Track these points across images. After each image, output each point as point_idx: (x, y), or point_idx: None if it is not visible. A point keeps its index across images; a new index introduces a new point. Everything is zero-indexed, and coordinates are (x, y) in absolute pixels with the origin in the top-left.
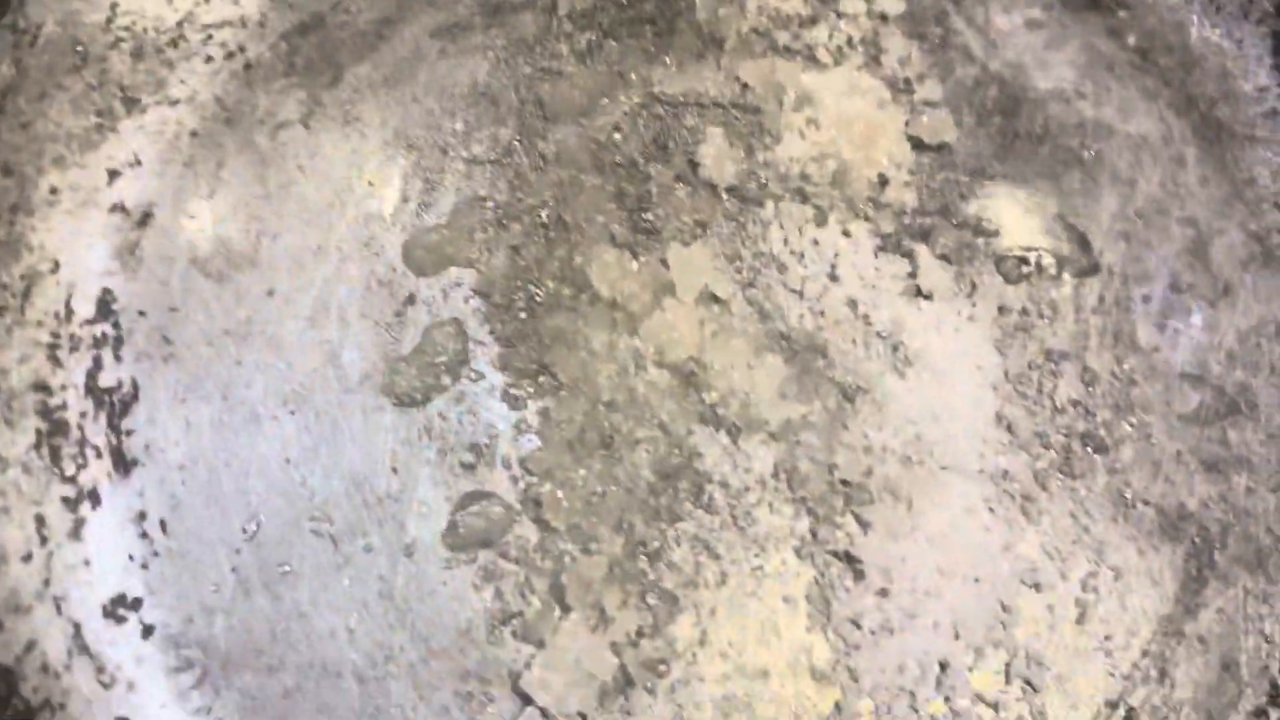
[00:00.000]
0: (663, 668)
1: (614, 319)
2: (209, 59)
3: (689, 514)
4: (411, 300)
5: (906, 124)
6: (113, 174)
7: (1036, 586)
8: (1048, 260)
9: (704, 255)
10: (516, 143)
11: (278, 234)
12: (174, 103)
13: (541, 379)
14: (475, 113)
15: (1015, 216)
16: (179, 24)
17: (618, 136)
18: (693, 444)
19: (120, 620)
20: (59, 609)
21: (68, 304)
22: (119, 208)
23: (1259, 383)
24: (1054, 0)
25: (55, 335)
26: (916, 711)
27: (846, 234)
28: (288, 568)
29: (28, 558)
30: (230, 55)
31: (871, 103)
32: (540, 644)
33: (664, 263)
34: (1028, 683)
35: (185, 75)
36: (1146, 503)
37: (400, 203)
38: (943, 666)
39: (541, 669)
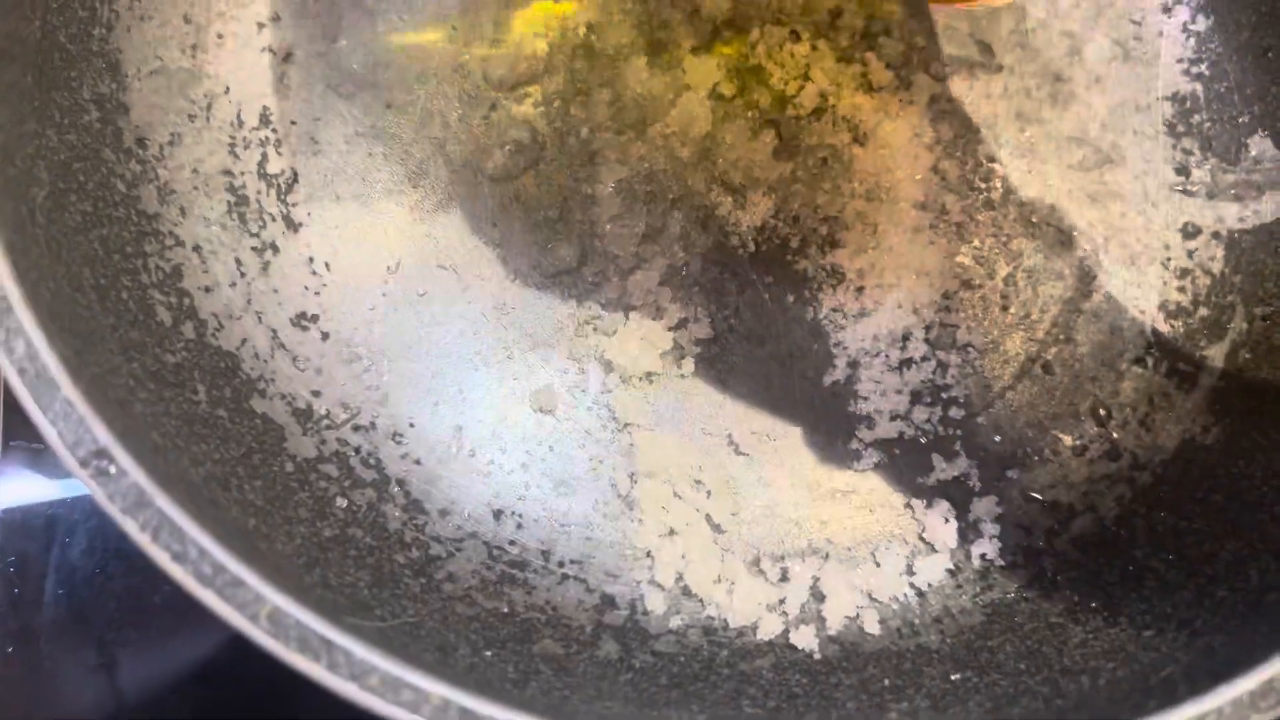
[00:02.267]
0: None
1: (644, 111)
2: None
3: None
4: (494, 107)
5: None
6: (260, 25)
7: (969, 282)
8: (963, 65)
9: (709, 65)
10: None
11: (389, 64)
12: None
13: (597, 158)
14: None
15: (938, 33)
16: None
17: None
18: (713, 198)
19: (304, 329)
20: (259, 319)
21: (239, 116)
22: (268, 49)
23: (1125, 141)
24: None
25: (232, 138)
26: (890, 367)
27: (814, 48)
28: (423, 291)
29: (233, 284)
30: None
31: None
32: (614, 334)
33: (681, 70)
34: (969, 345)
35: None
36: (1049, 225)
37: (478, 39)
38: (905, 336)
39: (619, 345)
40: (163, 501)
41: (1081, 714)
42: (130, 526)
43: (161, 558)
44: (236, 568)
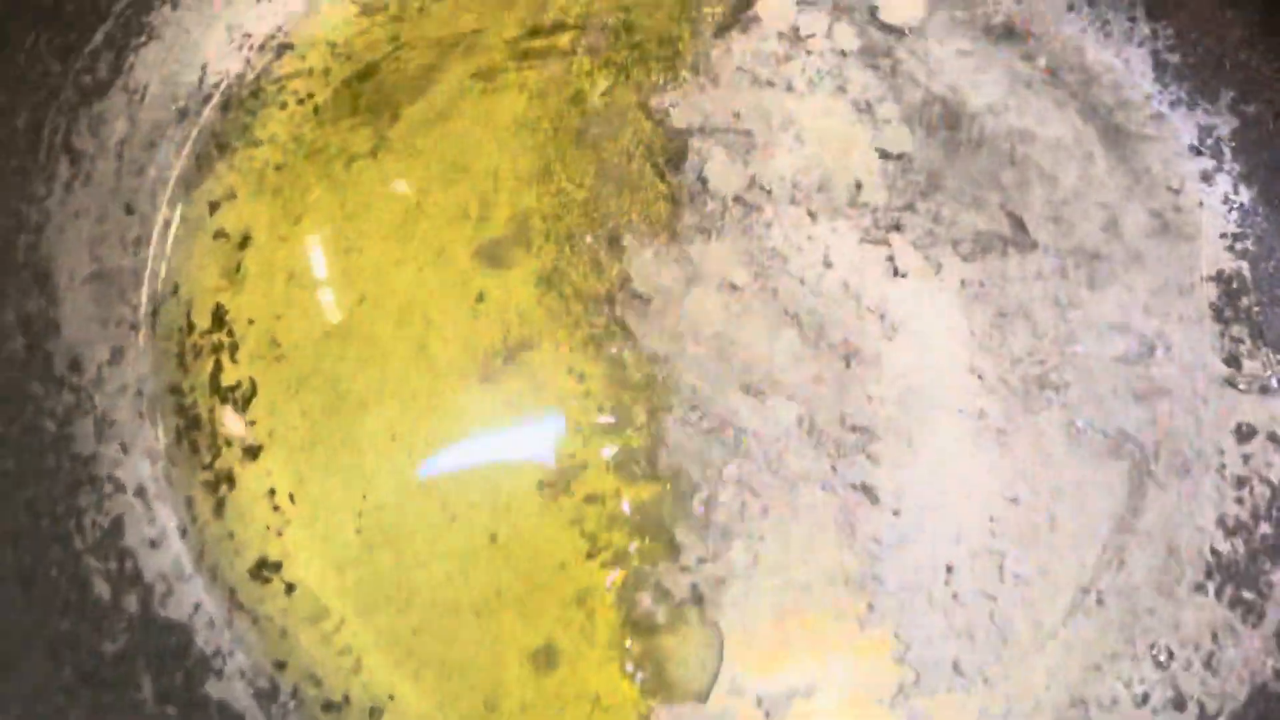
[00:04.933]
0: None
1: (652, 304)
2: (284, 105)
3: (733, 462)
4: (482, 298)
5: (872, 138)
6: (213, 205)
7: (1015, 500)
8: (994, 242)
9: (721, 251)
10: (556, 165)
11: (361, 249)
12: (258, 143)
13: (598, 359)
14: (517, 140)
15: (965, 209)
16: (256, 78)
17: (639, 151)
18: (729, 404)
19: (266, 581)
20: (214, 575)
21: (188, 318)
22: (221, 234)
23: (1169, 328)
24: (979, 33)
25: (180, 345)
26: (932, 605)
27: (834, 230)
28: (404, 526)
29: (184, 533)
30: (301, 101)
31: (842, 122)
32: (624, 566)
33: (689, 259)
34: (1017, 577)
35: (265, 120)
36: (1093, 428)
37: (462, 219)
38: (949, 568)
39: (630, 587)
40: None
41: None
42: None
43: None
44: None
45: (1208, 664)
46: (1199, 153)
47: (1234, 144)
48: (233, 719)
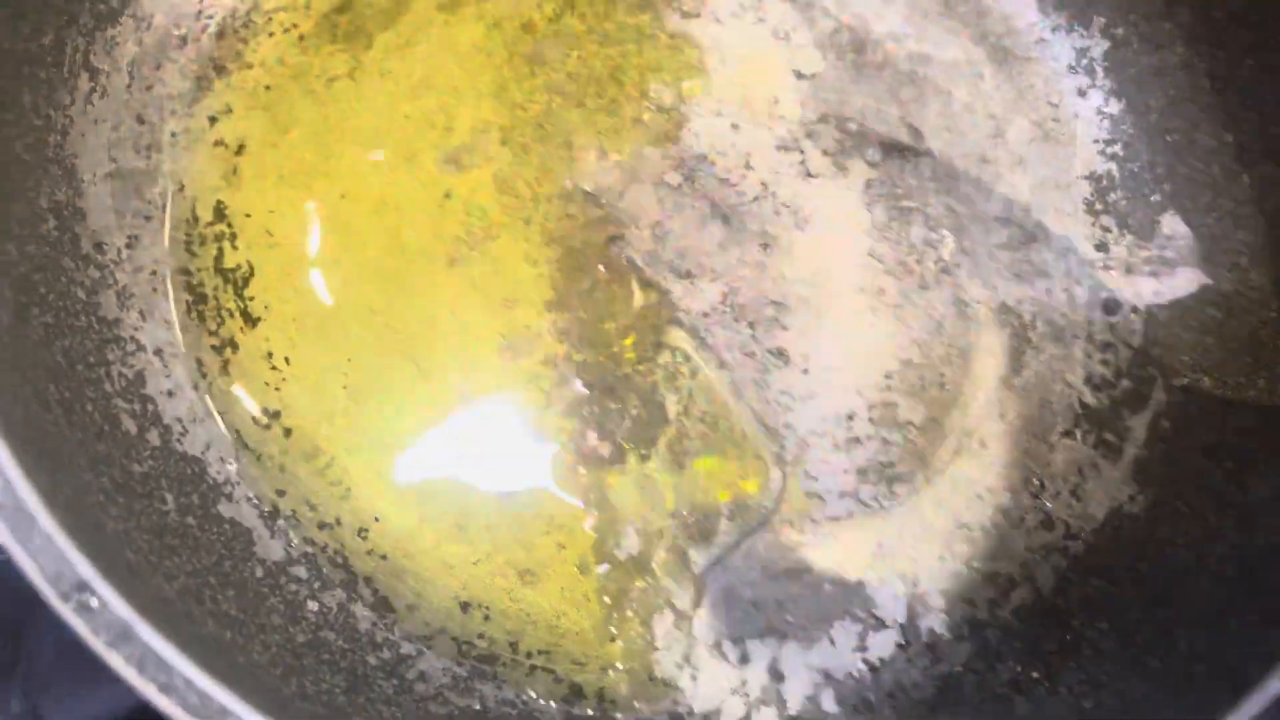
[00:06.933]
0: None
1: (598, 201)
2: (271, 34)
3: (669, 331)
4: (448, 194)
5: (789, 60)
6: (212, 119)
7: (909, 361)
8: (894, 149)
9: (655, 155)
10: (511, 83)
11: (340, 155)
12: (250, 66)
13: (550, 245)
14: (476, 62)
15: (869, 120)
16: (247, 11)
17: (584, 71)
18: (664, 285)
19: (266, 427)
20: (223, 420)
21: (193, 211)
22: (220, 142)
23: (1048, 219)
24: None
25: (188, 234)
26: (836, 447)
27: (754, 138)
28: (383, 381)
29: (195, 386)
30: (287, 30)
31: (763, 46)
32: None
33: (629, 163)
34: (909, 423)
35: (256, 46)
36: (979, 303)
37: (429, 128)
38: (849, 416)
39: (579, 434)
40: (146, 633)
41: None
42: (115, 660)
43: (149, 690)
44: (221, 695)
45: (1074, 493)
46: (1075, 71)
47: (1106, 64)
48: (242, 532)
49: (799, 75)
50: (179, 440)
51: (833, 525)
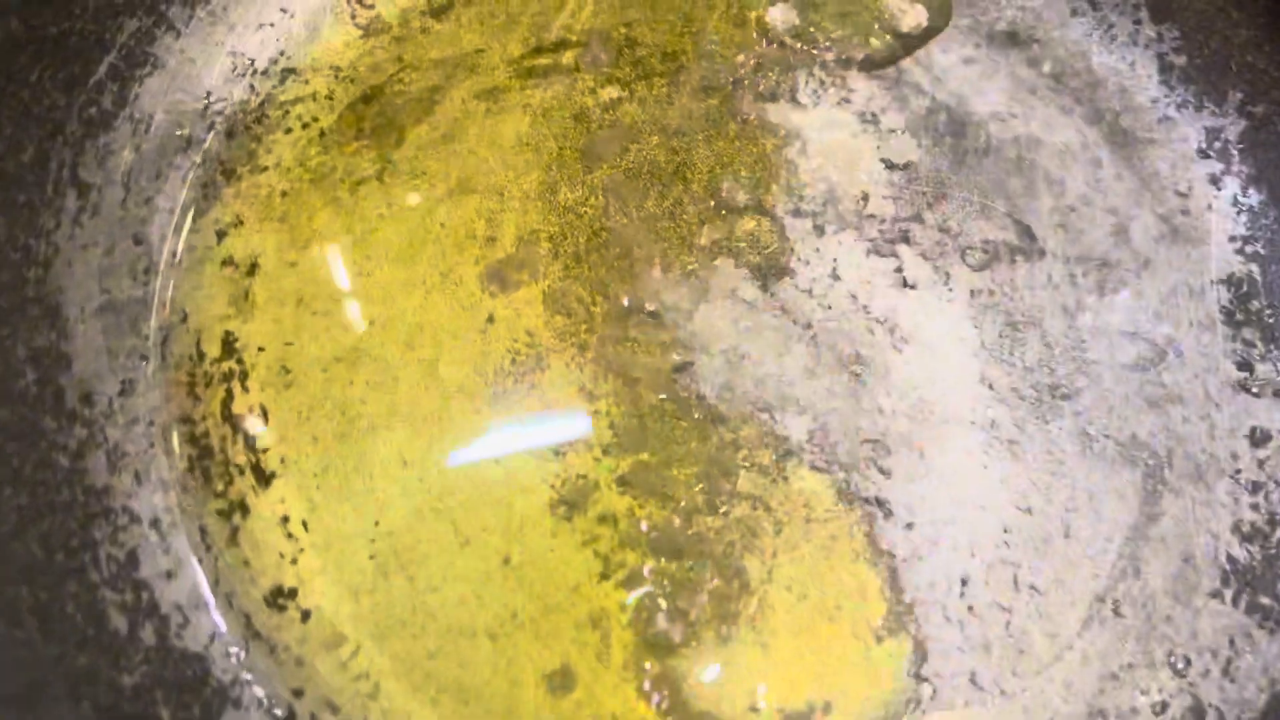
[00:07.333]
0: (740, 603)
1: (662, 322)
2: (289, 130)
3: (747, 477)
4: (491, 319)
5: (878, 148)
6: (220, 234)
7: (1029, 510)
8: (1003, 250)
9: (729, 266)
10: (562, 184)
11: (370, 273)
12: (264, 169)
13: (608, 377)
14: (523, 160)
15: (973, 217)
16: (260, 104)
17: (645, 167)
18: (740, 423)
19: (281, 609)
20: (230, 603)
21: (198, 347)
22: (229, 262)
23: (1180, 334)
24: (982, 40)
25: (191, 375)
26: (948, 619)
27: (840, 242)
28: (417, 551)
29: (200, 561)
30: (306, 125)
31: (847, 133)
32: (638, 587)
33: (698, 275)
34: (1032, 588)
35: (270, 146)
36: (1106, 436)
37: (469, 240)
38: (964, 581)
39: (645, 608)
40: None
41: None
42: None
43: None
44: None
45: (1225, 671)
46: (1206, 156)
47: (1242, 146)
48: None
49: (890, 165)
50: (178, 634)
51: (945, 716)
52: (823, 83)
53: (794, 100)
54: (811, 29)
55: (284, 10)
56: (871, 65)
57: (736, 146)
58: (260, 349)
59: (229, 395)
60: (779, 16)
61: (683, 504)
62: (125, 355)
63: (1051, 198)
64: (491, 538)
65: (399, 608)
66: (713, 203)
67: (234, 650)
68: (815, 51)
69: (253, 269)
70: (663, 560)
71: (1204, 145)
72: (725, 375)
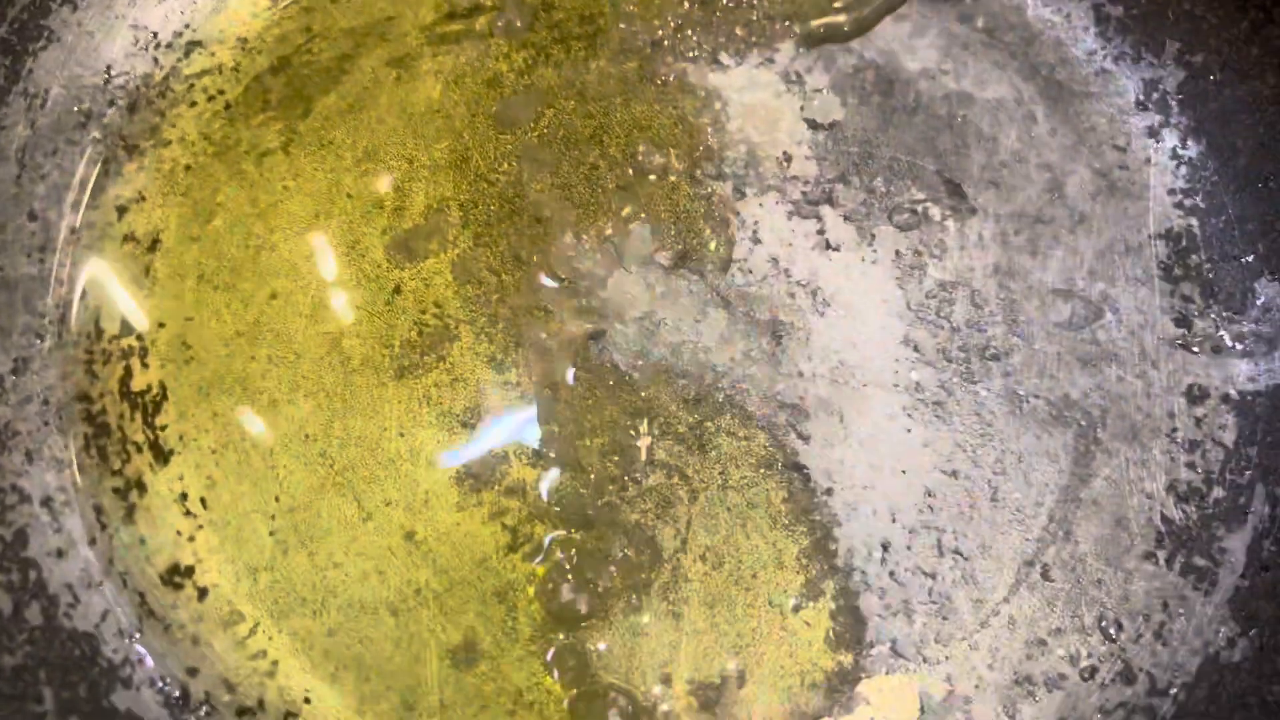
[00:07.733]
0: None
1: (576, 289)
2: (193, 104)
3: (661, 446)
4: (398, 290)
5: (801, 109)
6: (121, 210)
7: (954, 474)
8: (932, 210)
9: (644, 231)
10: (473, 151)
11: (273, 246)
12: (167, 144)
13: (519, 347)
14: (433, 128)
15: (900, 176)
16: (164, 78)
17: (559, 132)
18: (655, 390)
19: (178, 587)
20: (125, 582)
21: (97, 324)
22: (130, 238)
23: (1116, 291)
24: None
25: (89, 352)
26: (868, 586)
27: (761, 204)
28: (317, 527)
29: (92, 541)
30: (211, 98)
31: (770, 93)
32: (546, 559)
33: (610, 240)
34: (957, 552)
35: (174, 120)
36: (1037, 397)
37: (376, 210)
38: (885, 546)
39: (553, 580)
40: None
41: None
42: None
43: None
44: None
45: (1158, 635)
46: (1145, 108)
47: (1180, 97)
48: None
49: (814, 126)
50: (66, 614)
51: (867, 684)
52: (746, 43)
53: (715, 61)
54: None
55: None
56: (799, 22)
57: (655, 110)
58: (161, 325)
59: (128, 372)
60: None
61: (594, 475)
62: (19, 333)
63: (984, 155)
64: (395, 512)
65: (299, 585)
66: (630, 168)
67: (126, 629)
68: (739, 10)
69: (154, 245)
70: (572, 531)
71: (1142, 97)
72: (640, 343)
